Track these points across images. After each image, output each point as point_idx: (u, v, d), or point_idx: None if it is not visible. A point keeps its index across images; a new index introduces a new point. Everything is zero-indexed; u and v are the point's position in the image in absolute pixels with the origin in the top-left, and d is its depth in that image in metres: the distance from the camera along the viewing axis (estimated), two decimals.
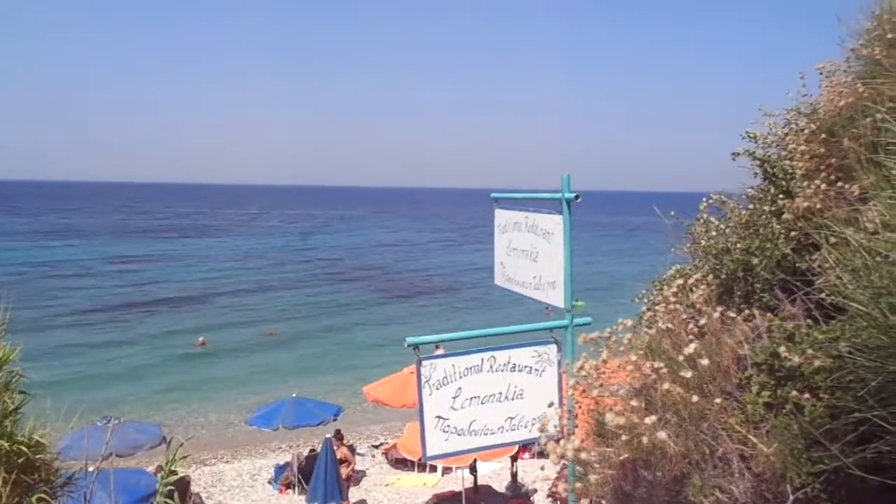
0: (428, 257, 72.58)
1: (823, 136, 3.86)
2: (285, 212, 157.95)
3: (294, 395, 18.20)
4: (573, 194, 4.37)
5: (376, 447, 20.42)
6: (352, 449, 17.67)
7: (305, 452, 17.67)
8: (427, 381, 4.22)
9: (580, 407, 3.22)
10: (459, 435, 4.33)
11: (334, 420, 17.40)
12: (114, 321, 37.39)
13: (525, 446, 15.89)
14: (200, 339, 32.28)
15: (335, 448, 15.18)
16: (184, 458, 4.91)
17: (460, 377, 4.31)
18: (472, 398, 4.34)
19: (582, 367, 2.86)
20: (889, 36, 3.51)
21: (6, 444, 3.84)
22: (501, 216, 5.28)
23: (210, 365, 29.58)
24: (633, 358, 2.72)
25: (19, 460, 3.93)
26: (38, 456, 4.06)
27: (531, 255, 4.86)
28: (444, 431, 4.29)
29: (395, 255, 73.98)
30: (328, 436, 15.49)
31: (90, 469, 4.79)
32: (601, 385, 2.67)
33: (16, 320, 4.19)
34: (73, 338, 32.65)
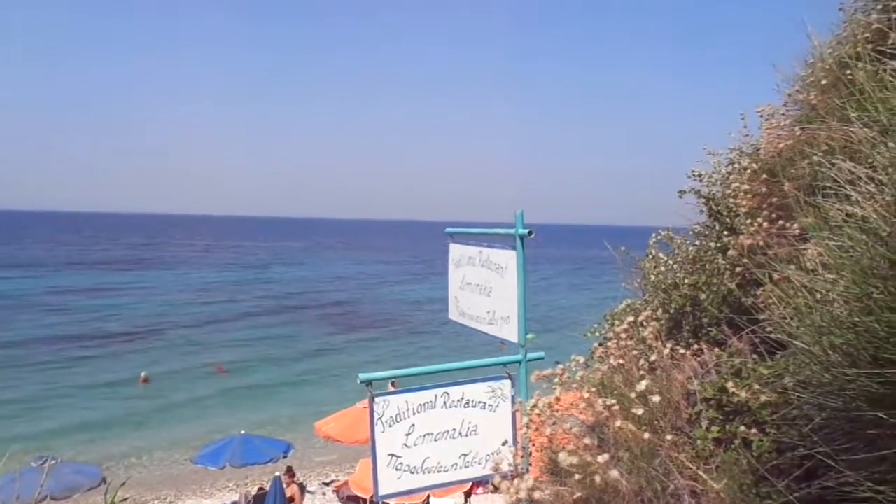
0: (384, 290, 72.07)
1: (765, 175, 4.00)
2: (240, 243, 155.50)
3: (242, 431, 17.69)
4: (526, 230, 4.42)
5: (327, 484, 19.96)
6: (302, 487, 17.20)
7: (254, 491, 17.12)
8: (380, 418, 4.15)
9: (534, 444, 3.20)
10: (412, 473, 4.26)
11: (284, 457, 16.96)
12: (52, 356, 35.81)
13: (479, 482, 15.74)
14: (143, 374, 31.22)
15: (285, 486, 14.76)
16: (124, 500, 4.70)
17: (414, 413, 4.25)
18: (425, 435, 4.28)
19: (535, 405, 2.85)
20: (823, 82, 3.68)
21: None
22: (456, 250, 5.29)
23: (153, 401, 28.57)
24: (586, 395, 2.73)
25: None
26: None
27: (485, 290, 4.87)
28: (396, 469, 4.21)
29: (352, 287, 73.20)
30: (277, 473, 15.07)
31: None
32: (555, 423, 2.66)
33: None
34: (6, 373, 31.18)
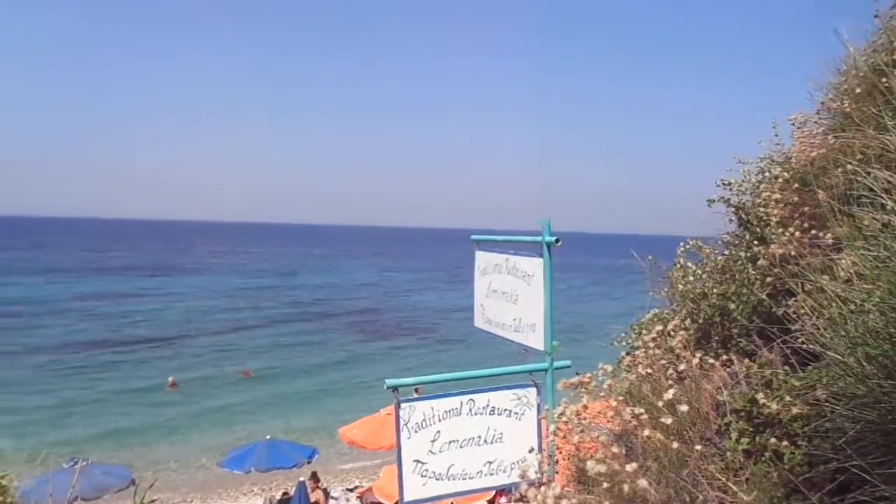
0: (409, 297, 72.23)
1: (796, 185, 3.95)
2: (261, 250, 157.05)
3: (268, 436, 17.84)
4: (553, 238, 4.41)
5: (351, 490, 19.99)
6: (326, 493, 17.27)
7: (278, 496, 17.23)
8: (406, 424, 4.16)
9: (560, 452, 3.19)
10: (438, 479, 4.26)
11: (308, 462, 17.05)
12: (83, 361, 36.48)
13: (502, 491, 15.66)
14: (170, 379, 31.62)
15: (310, 491, 14.83)
16: (153, 501, 4.77)
17: (439, 420, 4.26)
18: (450, 441, 4.29)
19: (563, 412, 2.84)
20: (857, 90, 3.63)
21: None
22: (482, 258, 5.29)
23: (181, 406, 28.93)
24: (614, 403, 2.71)
25: None
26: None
27: (511, 298, 4.87)
28: (422, 476, 4.22)
29: (377, 294, 73.50)
30: (302, 478, 15.15)
31: None
32: (582, 431, 2.65)
33: None
34: (39, 377, 31.83)
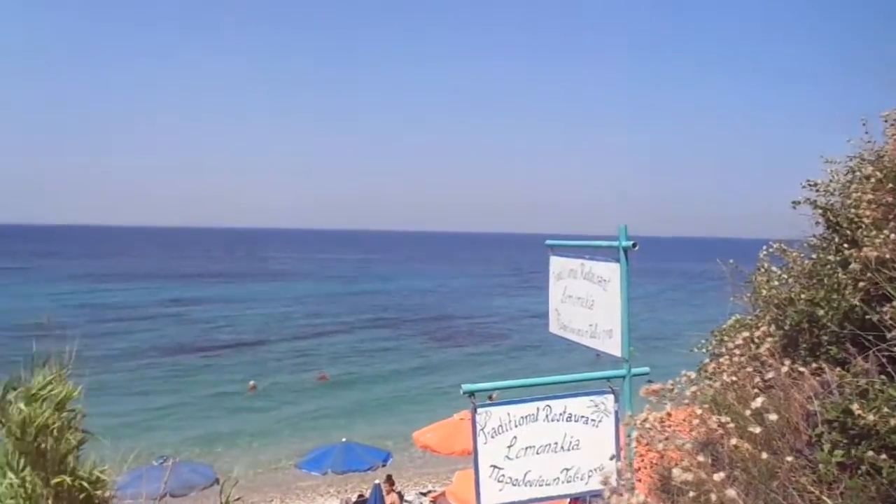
0: (483, 302, 72.02)
1: (890, 184, 3.76)
2: (333, 256, 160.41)
3: (343, 439, 18.19)
4: (630, 242, 4.34)
5: (424, 494, 20.13)
6: (400, 496, 17.47)
7: (354, 498, 17.55)
8: (482, 429, 4.18)
9: (642, 460, 3.13)
10: (514, 485, 4.25)
11: (383, 465, 17.28)
12: (168, 363, 38.18)
13: (578, 499, 15.41)
14: (251, 382, 32.69)
15: (385, 494, 15.02)
16: (237, 500, 4.94)
17: (515, 426, 4.25)
18: (527, 448, 4.27)
19: (646, 419, 2.79)
20: None
21: (68, 480, 3.93)
22: (557, 263, 5.25)
23: (260, 408, 29.93)
24: (699, 411, 2.65)
25: (80, 496, 4.03)
26: (97, 492, 4.15)
27: (587, 303, 4.81)
28: (498, 481, 4.22)
29: (450, 299, 73.72)
30: (377, 481, 15.36)
31: None
32: (666, 438, 2.60)
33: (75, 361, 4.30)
34: (128, 379, 33.35)
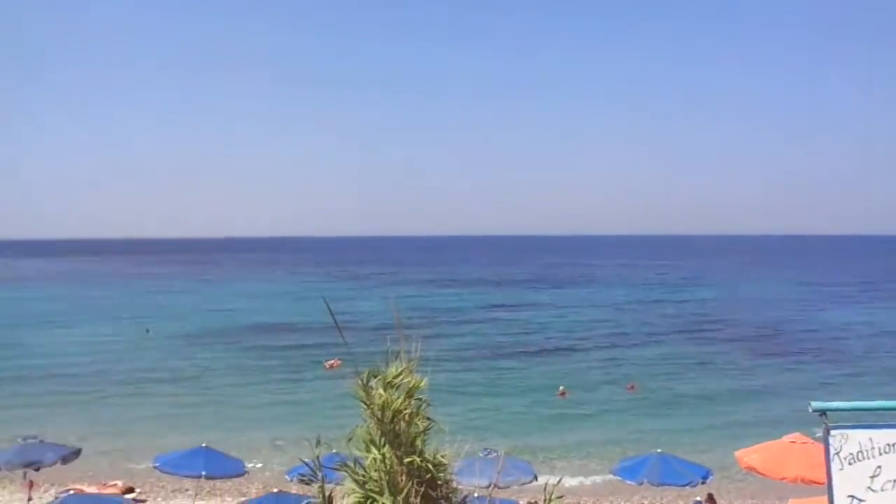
0: (818, 314, 63.37)
1: None
2: (655, 262, 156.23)
3: (658, 450, 17.55)
4: None
5: None
6: None
7: None
8: (837, 454, 3.66)
9: None
10: None
11: (702, 483, 16.23)
12: (486, 366, 40.78)
13: None
14: (561, 388, 33.37)
15: None
16: (559, 498, 5.05)
17: (879, 454, 3.64)
18: (895, 481, 3.62)
19: None
20: None
21: (418, 460, 4.42)
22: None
23: (570, 413, 30.47)
24: None
25: (427, 476, 4.50)
26: (440, 474, 4.59)
27: None
28: None
29: (778, 310, 66.14)
30: (698, 499, 14.51)
31: (475, 495, 5.24)
32: None
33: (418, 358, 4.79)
34: (453, 378, 36.00)
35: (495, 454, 13.75)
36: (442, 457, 4.65)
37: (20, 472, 18.08)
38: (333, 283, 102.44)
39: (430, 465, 4.45)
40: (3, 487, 19.99)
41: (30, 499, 18.12)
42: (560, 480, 6.53)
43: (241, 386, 35.31)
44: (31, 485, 18.69)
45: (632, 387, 34.60)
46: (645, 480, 16.05)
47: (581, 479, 22.03)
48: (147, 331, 53.43)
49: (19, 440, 19.20)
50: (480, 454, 13.53)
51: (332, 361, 38.82)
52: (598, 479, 21.36)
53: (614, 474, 17.43)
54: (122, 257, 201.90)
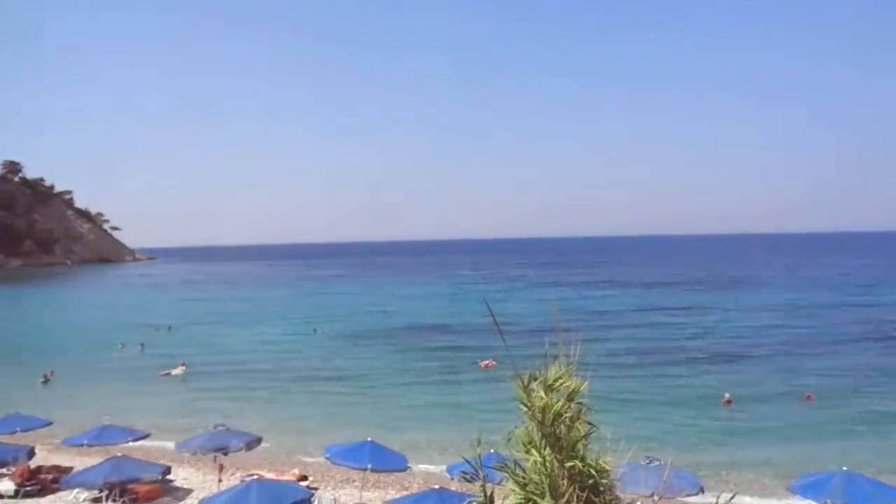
0: None
1: None
2: (822, 261, 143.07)
3: (844, 468, 15.96)
4: None
5: None
6: None
7: None
8: None
9: None
10: None
11: None
12: (644, 373, 38.97)
13: None
14: (726, 396, 31.30)
15: None
16: None
17: None
18: None
19: None
20: None
21: (580, 465, 4.37)
22: None
23: (739, 422, 28.54)
24: None
25: (589, 481, 4.44)
26: (602, 480, 4.51)
27: None
28: None
29: None
30: None
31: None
32: None
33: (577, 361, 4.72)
34: (608, 384, 34.71)
35: (658, 463, 13.19)
36: (604, 463, 4.57)
37: (211, 455, 20.14)
38: (486, 285, 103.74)
39: (592, 471, 4.39)
40: (198, 469, 22.27)
41: (220, 480, 20.06)
42: (734, 497, 6.14)
43: (401, 385, 36.77)
44: (221, 468, 20.71)
45: (809, 397, 31.80)
46: (829, 501, 14.68)
47: (756, 496, 20.44)
48: (314, 331, 57.26)
49: (211, 428, 21.35)
50: (642, 462, 13.06)
51: (488, 362, 39.38)
52: (773, 498, 19.78)
53: (794, 492, 16.12)
54: (291, 261, 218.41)
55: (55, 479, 19.85)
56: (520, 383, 4.42)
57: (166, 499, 19.52)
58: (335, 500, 19.13)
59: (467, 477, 4.82)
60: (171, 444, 22.64)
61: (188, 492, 20.18)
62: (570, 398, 4.49)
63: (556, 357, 4.64)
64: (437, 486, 15.74)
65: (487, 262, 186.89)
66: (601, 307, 68.98)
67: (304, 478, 21.24)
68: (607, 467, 4.55)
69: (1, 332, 63.18)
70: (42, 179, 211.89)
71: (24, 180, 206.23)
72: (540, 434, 4.44)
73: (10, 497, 19.08)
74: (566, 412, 4.45)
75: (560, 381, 4.53)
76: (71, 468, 20.97)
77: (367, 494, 19.73)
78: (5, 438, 19.74)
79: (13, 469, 19.51)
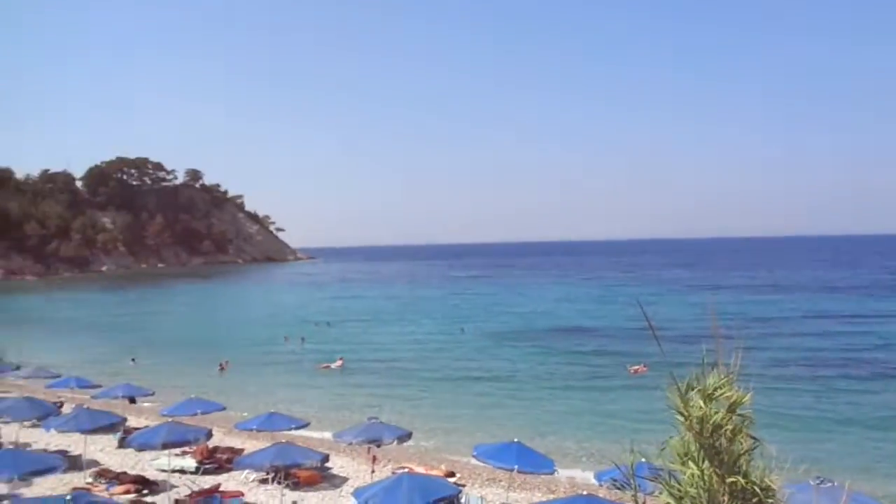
0: None
1: None
2: None
3: None
4: None
5: None
6: None
7: None
8: None
9: None
10: None
11: None
12: (814, 383, 35.91)
13: None
14: None
15: None
16: None
17: None
18: None
19: None
20: None
21: (742, 481, 4.12)
22: None
23: None
24: None
25: (753, 499, 4.17)
26: (768, 500, 4.21)
27: None
28: None
29: None
30: None
31: None
32: None
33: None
34: (777, 396, 32.58)
35: (831, 484, 12.05)
36: (770, 481, 4.28)
37: (365, 446, 21.13)
38: (636, 287, 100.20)
39: (756, 488, 4.13)
40: (353, 458, 23.46)
41: (373, 471, 21.00)
42: None
43: (548, 388, 36.43)
44: (374, 459, 21.64)
45: None
46: None
47: None
48: (462, 330, 58.27)
49: (365, 420, 22.40)
50: (812, 482, 12.00)
51: (638, 367, 38.06)
52: None
53: None
54: (431, 261, 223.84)
55: (229, 459, 21.78)
56: (677, 391, 4.25)
57: (324, 485, 20.71)
58: (482, 497, 19.33)
59: (617, 484, 4.71)
60: (328, 434, 24.03)
61: (344, 479, 21.28)
62: (730, 409, 4.25)
63: (714, 365, 4.40)
64: (584, 493, 15.44)
65: (627, 263, 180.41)
66: (762, 313, 64.08)
67: (452, 474, 21.67)
68: (773, 486, 4.26)
69: (189, 323, 70.90)
70: (218, 185, 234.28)
71: (204, 186, 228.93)
72: (698, 445, 4.24)
73: (192, 472, 21.18)
74: (726, 424, 4.22)
75: (720, 390, 4.30)
76: (242, 450, 22.91)
77: (513, 495, 19.77)
78: (188, 420, 21.88)
79: (195, 448, 21.56)
